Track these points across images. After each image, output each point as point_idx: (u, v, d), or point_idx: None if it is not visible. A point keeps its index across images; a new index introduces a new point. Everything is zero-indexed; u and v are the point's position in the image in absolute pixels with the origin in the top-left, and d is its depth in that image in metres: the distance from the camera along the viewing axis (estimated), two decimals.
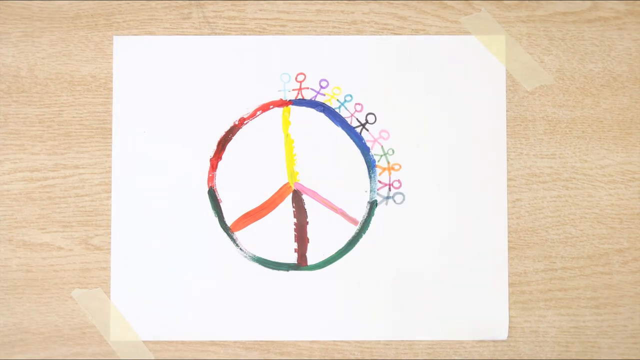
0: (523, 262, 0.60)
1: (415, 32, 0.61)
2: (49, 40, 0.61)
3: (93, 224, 0.60)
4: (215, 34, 0.61)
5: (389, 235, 0.60)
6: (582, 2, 0.62)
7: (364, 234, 0.60)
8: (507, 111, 0.61)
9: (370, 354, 0.60)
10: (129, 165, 0.60)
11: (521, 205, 0.60)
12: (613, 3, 0.62)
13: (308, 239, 0.60)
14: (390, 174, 0.61)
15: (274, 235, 0.60)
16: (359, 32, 0.61)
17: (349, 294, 0.60)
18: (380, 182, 0.60)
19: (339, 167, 0.61)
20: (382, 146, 0.61)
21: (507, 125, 0.61)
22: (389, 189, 0.60)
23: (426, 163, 0.61)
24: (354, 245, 0.60)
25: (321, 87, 0.61)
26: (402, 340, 0.60)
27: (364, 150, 0.61)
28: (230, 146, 0.61)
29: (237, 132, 0.61)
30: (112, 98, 0.61)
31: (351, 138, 0.61)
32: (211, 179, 0.60)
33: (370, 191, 0.60)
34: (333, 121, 0.61)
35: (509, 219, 0.60)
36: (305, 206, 0.60)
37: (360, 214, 0.60)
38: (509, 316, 0.60)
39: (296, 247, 0.60)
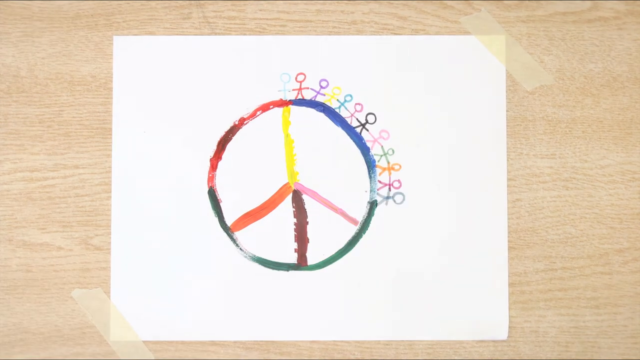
0: (523, 262, 0.60)
1: (415, 32, 0.61)
2: (49, 40, 0.61)
3: (93, 224, 0.60)
4: (215, 34, 0.61)
5: (389, 235, 0.60)
6: (582, 2, 0.62)
7: (364, 234, 0.60)
8: (507, 111, 0.61)
9: (370, 354, 0.60)
10: (129, 165, 0.60)
11: (521, 205, 0.60)
12: (613, 3, 0.62)
13: (308, 239, 0.60)
14: (390, 174, 0.61)
15: (274, 235, 0.60)
16: (359, 32, 0.61)
17: (349, 294, 0.60)
18: (380, 182, 0.60)
19: (339, 167, 0.61)
20: (382, 146, 0.61)
21: (507, 125, 0.61)
22: (389, 189, 0.60)
23: (426, 163, 0.60)
24: (354, 245, 0.60)
25: (321, 87, 0.61)
26: (402, 340, 0.60)
27: (364, 150, 0.61)
28: (230, 146, 0.61)
29: (237, 132, 0.61)
30: (112, 98, 0.61)
31: (351, 138, 0.61)
32: (211, 179, 0.60)
33: (370, 191, 0.60)
34: (333, 121, 0.61)
35: (509, 219, 0.60)
36: (305, 206, 0.60)
37: (360, 214, 0.60)
38: (509, 316, 0.60)
39: (296, 247, 0.60)
